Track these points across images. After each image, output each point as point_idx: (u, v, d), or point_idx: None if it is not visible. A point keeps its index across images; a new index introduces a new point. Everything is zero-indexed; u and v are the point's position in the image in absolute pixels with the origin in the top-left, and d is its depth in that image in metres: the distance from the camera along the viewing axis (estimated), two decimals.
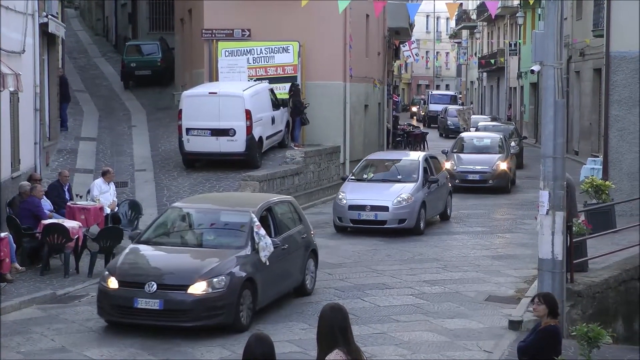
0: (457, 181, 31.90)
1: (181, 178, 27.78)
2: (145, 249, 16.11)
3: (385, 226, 23.82)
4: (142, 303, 14.61)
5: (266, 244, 15.58)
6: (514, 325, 15.69)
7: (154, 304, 14.58)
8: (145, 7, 50.72)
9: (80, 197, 22.38)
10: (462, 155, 33.96)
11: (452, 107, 66.12)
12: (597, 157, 31.46)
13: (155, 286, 14.60)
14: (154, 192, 26.52)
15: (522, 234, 24.45)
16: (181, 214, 17.24)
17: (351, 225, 24.06)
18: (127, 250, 16.13)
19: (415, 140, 52.03)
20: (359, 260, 20.99)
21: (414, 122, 70.94)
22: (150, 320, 14.74)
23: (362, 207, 23.91)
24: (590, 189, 22.68)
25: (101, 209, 21.20)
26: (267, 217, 16.64)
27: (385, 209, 23.77)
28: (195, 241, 16.49)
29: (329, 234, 24.35)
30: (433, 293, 18.04)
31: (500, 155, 33.56)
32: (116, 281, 14.96)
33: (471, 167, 32.97)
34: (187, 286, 14.65)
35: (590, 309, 17.89)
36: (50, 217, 19.85)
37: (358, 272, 19.83)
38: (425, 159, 26.01)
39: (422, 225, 24.24)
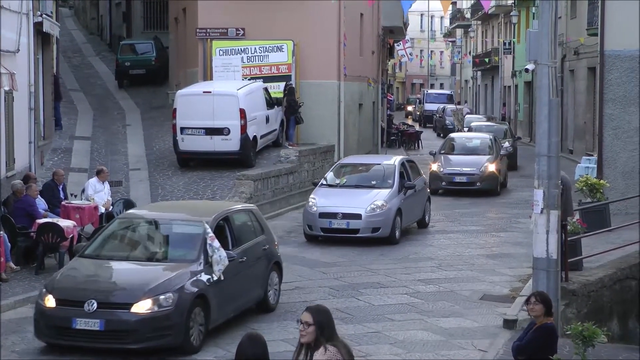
0: (443, 183, 31.41)
1: (175, 177, 27.77)
2: (88, 263, 14.90)
3: (357, 235, 22.43)
4: (81, 323, 13.33)
5: (220, 257, 14.42)
6: (509, 324, 15.70)
7: (94, 325, 13.29)
8: (139, 6, 50.71)
9: (75, 196, 22.35)
10: (449, 156, 32.89)
11: (450, 107, 65.76)
12: (592, 155, 31.50)
13: (95, 305, 13.31)
14: (149, 191, 26.52)
15: (516, 233, 24.46)
16: (130, 225, 15.97)
17: (322, 234, 22.68)
18: (68, 265, 15.25)
19: (409, 139, 52.12)
20: (354, 260, 20.99)
21: (410, 122, 70.36)
22: (90, 343, 13.50)
23: (333, 215, 22.49)
24: (584, 188, 22.71)
25: (96, 208, 21.17)
26: (224, 227, 15.45)
27: (358, 216, 22.36)
28: (143, 254, 15.22)
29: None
30: (428, 292, 18.05)
31: (489, 156, 32.41)
32: (53, 299, 13.69)
33: (458, 168, 31.86)
34: (131, 304, 13.38)
35: (585, 307, 17.91)
36: (45, 217, 19.82)
37: (352, 271, 19.83)
38: (402, 164, 24.61)
39: (397, 234, 22.83)
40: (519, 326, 15.59)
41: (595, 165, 27.46)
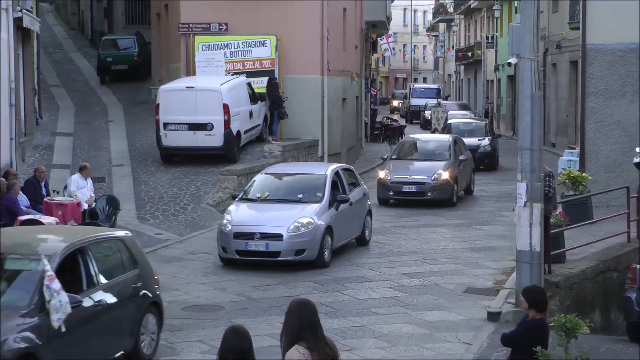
0: (391, 193, 27.97)
1: (159, 173, 27.73)
2: None
3: (278, 259, 19.08)
4: None
5: (60, 302, 11.15)
6: (493, 316, 15.75)
7: None
8: (121, 1, 50.56)
9: (57, 192, 22.29)
10: (399, 162, 29.08)
11: (432, 102, 64.08)
12: (574, 149, 31.59)
13: None
14: (132, 187, 26.48)
15: (500, 226, 24.52)
16: None
17: (237, 257, 19.28)
18: None
19: (393, 134, 52.17)
20: (337, 254, 20.99)
21: (396, 118, 68.54)
22: None
23: (250, 235, 19.06)
24: (567, 181, 22.80)
25: (78, 204, 21.12)
26: (77, 262, 12.30)
27: (279, 237, 18.97)
28: None
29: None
30: (412, 285, 18.08)
31: (445, 162, 28.36)
32: None
33: (407, 176, 27.92)
34: None
35: (567, 299, 17.99)
36: (27, 213, 19.74)
37: (337, 265, 19.83)
38: (336, 173, 21.14)
39: (326, 255, 19.45)
40: (503, 319, 15.67)
41: (578, 158, 27.56)
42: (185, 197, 25.41)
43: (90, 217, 21.31)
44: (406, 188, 27.74)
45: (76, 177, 22.29)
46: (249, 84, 30.42)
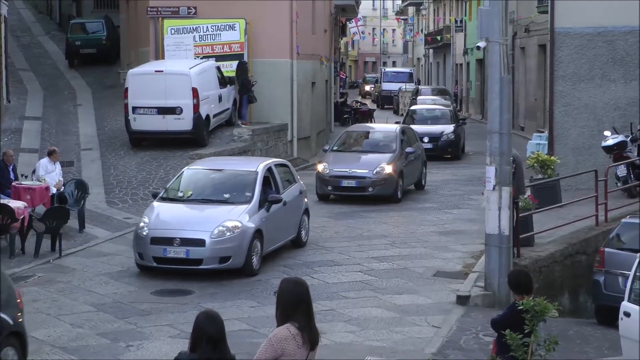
0: (329, 188, 25.49)
1: (128, 157, 27.63)
2: None
3: (200, 267, 17.18)
4: None
5: None
6: (462, 300, 15.82)
7: None
8: None
9: (26, 177, 22.15)
10: (340, 154, 26.60)
11: (425, 88, 59.84)
12: (543, 132, 31.75)
13: None
14: (101, 172, 26.38)
15: (469, 210, 24.58)
16: None
17: (154, 265, 17.30)
18: None
19: (362, 117, 52.20)
20: (307, 238, 20.98)
21: (365, 102, 66.55)
22: None
23: (168, 241, 17.11)
24: (536, 164, 22.90)
25: (47, 188, 21.01)
26: None
27: (201, 242, 17.04)
28: None
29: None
30: (381, 269, 18.12)
31: (390, 155, 25.89)
32: None
33: (346, 170, 25.46)
34: None
35: (536, 282, 18.04)
36: None
37: (306, 249, 19.84)
38: (269, 169, 19.22)
39: (255, 263, 17.53)
40: (472, 302, 15.76)
41: (546, 142, 27.71)
42: (155, 181, 25.33)
43: (58, 201, 21.21)
44: (345, 183, 25.39)
45: (45, 161, 22.16)
46: (218, 68, 30.35)
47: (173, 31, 32.31)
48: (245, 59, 32.07)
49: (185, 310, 15.09)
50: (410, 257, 19.23)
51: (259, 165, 19.17)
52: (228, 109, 30.59)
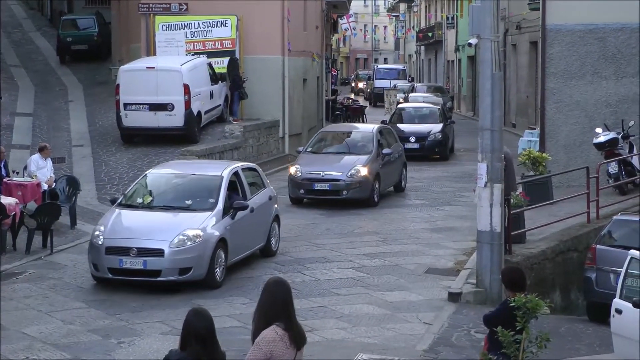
0: (302, 191, 24.31)
1: (119, 153, 27.60)
2: None
3: (158, 279, 16.05)
4: None
5: None
6: (453, 297, 15.84)
7: None
8: None
9: (17, 173, 22.12)
10: (313, 156, 25.49)
11: (420, 85, 59.87)
12: (534, 129, 31.76)
13: None
14: (92, 168, 26.35)
15: (460, 207, 24.59)
16: None
17: (110, 276, 16.22)
18: None
19: (354, 114, 52.17)
20: (299, 234, 20.99)
21: (359, 99, 64.91)
22: None
23: (124, 250, 16.03)
24: (527, 161, 22.92)
25: (38, 185, 20.96)
26: None
27: (159, 253, 15.93)
28: None
29: None
30: (373, 266, 18.12)
31: (367, 156, 24.69)
32: None
33: (320, 172, 24.25)
34: None
35: (528, 279, 18.06)
36: None
37: (298, 245, 19.84)
38: (235, 174, 18.06)
39: (218, 274, 16.46)
40: (463, 299, 15.77)
41: (538, 139, 27.72)
42: None
43: (50, 197, 21.18)
44: (318, 186, 24.14)
45: (36, 157, 22.12)
46: (210, 64, 30.32)
47: (164, 27, 32.26)
48: (237, 55, 32.05)
49: (177, 307, 15.07)
50: (401, 254, 19.23)
51: (224, 170, 17.97)
52: (219, 105, 30.56)
